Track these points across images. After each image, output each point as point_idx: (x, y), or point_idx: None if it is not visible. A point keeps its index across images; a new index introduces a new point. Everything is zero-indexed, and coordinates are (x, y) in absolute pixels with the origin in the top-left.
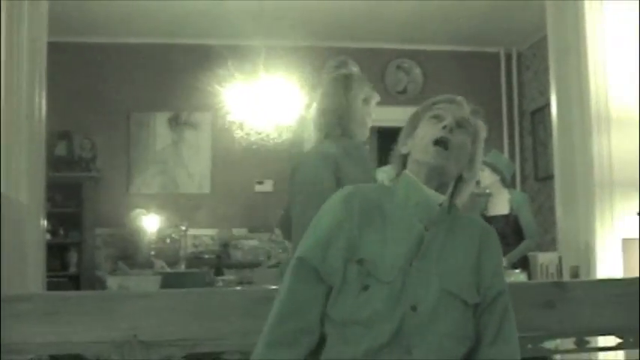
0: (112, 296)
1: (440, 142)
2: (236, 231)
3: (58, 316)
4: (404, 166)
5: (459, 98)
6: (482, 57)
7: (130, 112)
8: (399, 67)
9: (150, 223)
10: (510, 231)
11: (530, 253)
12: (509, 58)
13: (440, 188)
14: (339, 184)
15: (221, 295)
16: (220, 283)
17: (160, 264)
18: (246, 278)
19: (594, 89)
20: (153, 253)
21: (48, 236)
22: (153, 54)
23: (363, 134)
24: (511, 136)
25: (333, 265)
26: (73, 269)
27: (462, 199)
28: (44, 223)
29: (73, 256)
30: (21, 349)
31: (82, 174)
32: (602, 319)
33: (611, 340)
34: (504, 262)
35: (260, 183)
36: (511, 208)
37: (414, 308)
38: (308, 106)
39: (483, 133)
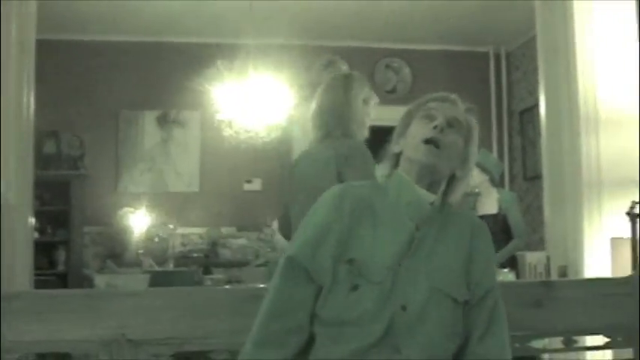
0: (100, 295)
1: (430, 141)
2: (225, 230)
3: (45, 315)
4: (396, 164)
5: (453, 96)
6: (471, 57)
7: (119, 111)
8: (388, 67)
9: (138, 221)
10: (499, 230)
11: (518, 253)
12: (498, 57)
13: (432, 187)
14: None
15: (209, 293)
16: (209, 282)
17: (148, 262)
18: (234, 277)
19: (583, 89)
20: (141, 251)
21: (36, 234)
22: (142, 52)
23: (362, 134)
24: (500, 136)
25: (323, 264)
26: (61, 267)
27: (455, 197)
28: (32, 221)
29: (61, 255)
30: (8, 347)
31: (70, 172)
32: (590, 319)
33: (599, 340)
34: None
35: (249, 182)
36: (500, 208)
37: (403, 307)
38: (298, 106)
39: (477, 132)
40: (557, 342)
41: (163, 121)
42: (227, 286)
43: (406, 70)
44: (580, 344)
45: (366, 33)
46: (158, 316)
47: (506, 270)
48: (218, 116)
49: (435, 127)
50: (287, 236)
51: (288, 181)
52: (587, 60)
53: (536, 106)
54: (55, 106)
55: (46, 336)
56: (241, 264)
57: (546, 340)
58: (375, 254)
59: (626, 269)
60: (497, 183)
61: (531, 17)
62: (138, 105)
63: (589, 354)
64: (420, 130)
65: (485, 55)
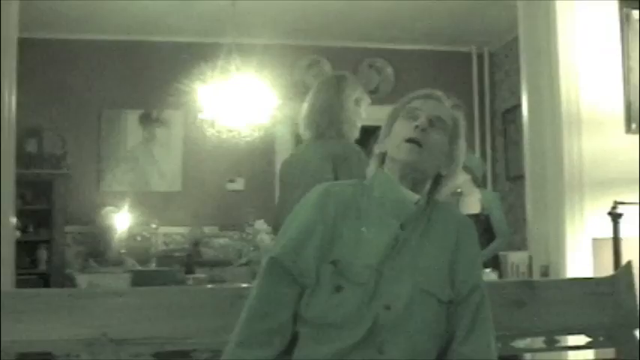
0: (82, 294)
1: (412, 140)
2: (207, 229)
3: (27, 314)
4: (382, 164)
5: (437, 93)
6: (454, 57)
7: (101, 110)
8: (371, 66)
9: (120, 220)
10: (481, 230)
11: (501, 253)
12: (481, 58)
13: (416, 186)
14: None
15: (191, 293)
16: (191, 282)
17: (130, 262)
18: (216, 276)
19: (565, 89)
20: (123, 250)
21: (18, 234)
22: (124, 51)
23: (354, 134)
24: (482, 136)
25: (306, 266)
26: (42, 267)
27: (442, 195)
28: (14, 220)
29: (42, 254)
30: None
31: (53, 171)
32: (571, 318)
33: (581, 340)
34: None
35: (231, 181)
36: (482, 208)
37: (387, 307)
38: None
39: (463, 128)
40: (539, 342)
41: (146, 121)
42: (209, 286)
43: (389, 70)
44: (562, 344)
45: (348, 33)
46: (140, 315)
47: (488, 270)
48: (201, 116)
49: (416, 127)
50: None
51: (281, 179)
52: (569, 60)
53: (518, 106)
54: (38, 105)
55: (27, 336)
56: (224, 263)
57: (528, 340)
58: (358, 254)
59: (607, 269)
60: (480, 183)
61: (514, 17)
62: (120, 104)
63: (571, 354)
64: (402, 129)
65: (468, 55)
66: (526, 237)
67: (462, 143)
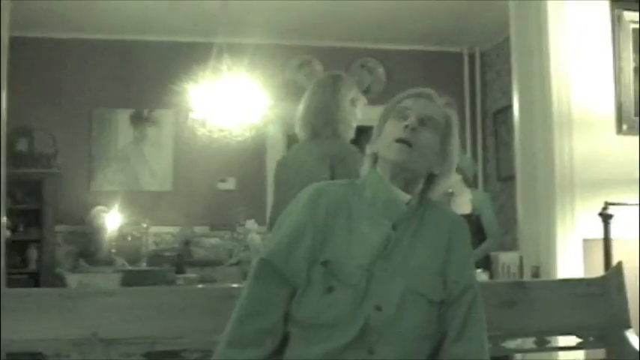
0: (72, 293)
1: (402, 140)
2: (198, 229)
3: (16, 314)
4: (375, 164)
5: (429, 91)
6: (445, 57)
7: (92, 109)
8: (362, 66)
9: (111, 220)
10: (472, 231)
11: (492, 253)
12: (472, 58)
13: (407, 186)
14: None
15: (182, 293)
16: (181, 281)
17: (120, 261)
18: (207, 276)
19: (556, 90)
20: (114, 250)
21: (8, 233)
22: (115, 50)
23: (349, 135)
24: (474, 136)
25: (297, 267)
26: (32, 266)
27: (435, 194)
28: (4, 219)
29: (32, 253)
30: None
31: (43, 170)
32: (562, 319)
33: (572, 340)
34: None
35: (222, 181)
36: (473, 208)
37: (378, 308)
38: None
39: (456, 126)
40: (529, 342)
41: (137, 120)
42: (200, 286)
43: (380, 70)
44: (552, 344)
45: (340, 33)
46: (130, 315)
47: (479, 270)
48: (192, 115)
49: (406, 127)
50: None
51: (276, 179)
52: (560, 61)
53: (509, 106)
54: (28, 105)
55: (17, 335)
56: (214, 263)
57: (519, 341)
58: (350, 255)
59: (598, 270)
60: (471, 183)
61: (505, 18)
62: (111, 103)
63: (561, 354)
64: (393, 129)
65: (460, 55)
66: (517, 237)
67: (455, 141)
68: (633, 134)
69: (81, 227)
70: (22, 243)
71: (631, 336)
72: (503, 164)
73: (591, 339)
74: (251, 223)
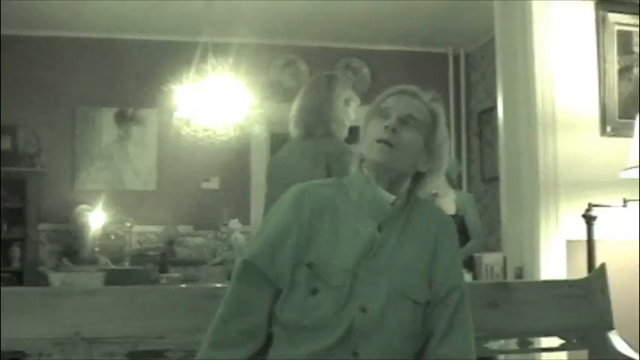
0: (55, 292)
1: (382, 141)
2: (181, 228)
3: None
4: (362, 164)
5: (411, 88)
6: (430, 57)
7: (76, 107)
8: (347, 67)
9: (95, 219)
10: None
11: (475, 254)
12: (457, 59)
13: (392, 186)
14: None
15: (165, 292)
16: (165, 281)
17: (104, 260)
18: (190, 276)
19: (540, 91)
20: (97, 249)
21: None
22: (100, 49)
23: (343, 134)
24: (458, 137)
25: (281, 268)
26: (16, 265)
27: (425, 192)
28: None
29: (16, 252)
30: None
31: (27, 169)
32: (545, 320)
33: (555, 341)
34: None
35: (206, 180)
36: (457, 209)
37: (363, 309)
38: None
39: (442, 120)
40: (512, 343)
41: (121, 119)
42: (183, 285)
43: (365, 70)
44: (535, 345)
45: (325, 33)
46: (113, 314)
47: (463, 271)
48: (176, 114)
49: (386, 127)
50: None
51: (269, 177)
52: (545, 62)
53: (494, 107)
54: (11, 103)
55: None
56: (198, 263)
57: (502, 341)
58: (334, 256)
59: (581, 271)
60: (455, 184)
61: (490, 19)
62: (95, 102)
63: (544, 355)
64: (374, 130)
65: (444, 56)
66: (500, 238)
67: (442, 137)
68: (617, 136)
69: (64, 226)
70: (5, 242)
71: (614, 337)
72: (488, 165)
73: (574, 340)
74: (235, 223)
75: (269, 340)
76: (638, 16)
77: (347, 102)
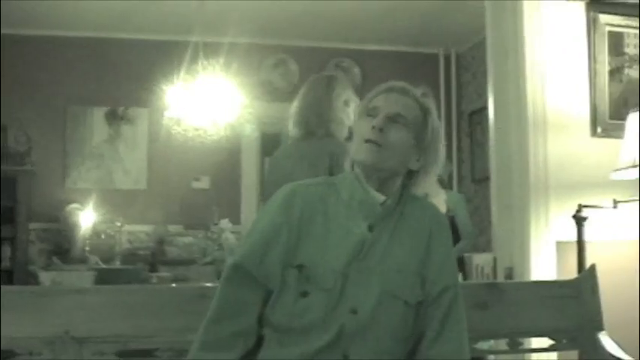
0: (45, 292)
1: (370, 141)
2: (172, 227)
3: None
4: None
5: (400, 85)
6: (421, 57)
7: (67, 106)
8: (337, 66)
9: (85, 218)
10: None
11: (465, 254)
12: (448, 59)
13: (383, 186)
14: None
15: (155, 292)
16: (155, 280)
17: (94, 260)
18: (180, 275)
19: (531, 92)
20: (88, 248)
21: None
22: (91, 48)
23: (342, 134)
24: (449, 137)
25: (271, 269)
26: (6, 264)
27: (420, 189)
28: None
29: (6, 251)
30: None
31: (17, 168)
32: (535, 321)
33: (545, 342)
34: None
35: (197, 180)
36: (447, 209)
37: (353, 311)
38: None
39: (433, 115)
40: (502, 344)
41: (111, 118)
42: (173, 285)
43: (355, 70)
44: (525, 346)
45: (316, 32)
46: (103, 313)
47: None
48: (167, 114)
49: (373, 128)
50: None
51: (269, 176)
52: (536, 62)
53: (485, 108)
54: (2, 101)
55: None
56: (188, 262)
57: (492, 342)
58: (325, 258)
59: (571, 272)
60: (446, 184)
61: (481, 19)
62: (86, 101)
63: (534, 356)
64: (362, 129)
65: (435, 56)
66: (491, 239)
67: (434, 131)
68: (608, 137)
69: (55, 225)
70: None
71: (604, 338)
72: (478, 166)
73: (564, 341)
74: (225, 223)
75: (259, 340)
76: (629, 18)
77: (347, 102)
